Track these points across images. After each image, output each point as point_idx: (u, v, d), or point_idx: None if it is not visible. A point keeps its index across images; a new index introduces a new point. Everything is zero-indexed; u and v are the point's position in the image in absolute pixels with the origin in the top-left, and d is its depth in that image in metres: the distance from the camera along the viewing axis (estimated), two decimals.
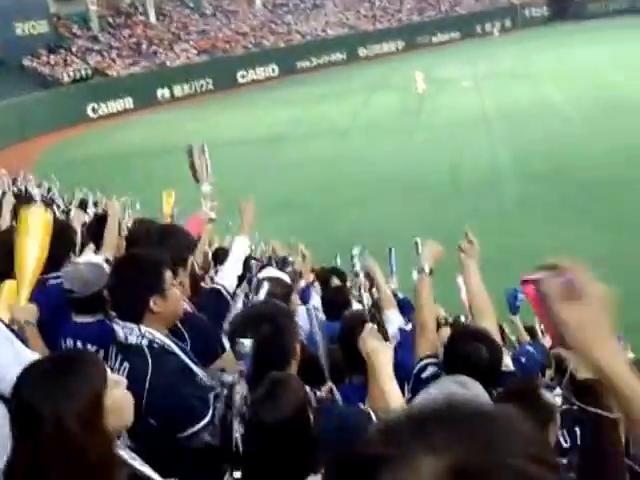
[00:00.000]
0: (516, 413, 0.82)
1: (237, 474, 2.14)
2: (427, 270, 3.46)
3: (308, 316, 3.74)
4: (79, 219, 5.93)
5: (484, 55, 40.10)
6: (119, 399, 1.86)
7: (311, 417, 2.13)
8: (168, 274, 2.79)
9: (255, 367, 2.41)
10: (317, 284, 6.91)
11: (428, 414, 0.82)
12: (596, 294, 1.26)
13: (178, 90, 39.79)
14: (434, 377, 2.96)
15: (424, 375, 3.03)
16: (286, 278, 3.81)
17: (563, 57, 35.19)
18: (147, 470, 1.96)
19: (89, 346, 3.15)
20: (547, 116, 23.19)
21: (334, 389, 2.97)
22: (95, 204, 12.11)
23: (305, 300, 5.38)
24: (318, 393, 2.67)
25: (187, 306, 3.30)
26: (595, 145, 18.98)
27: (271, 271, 3.89)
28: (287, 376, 2.35)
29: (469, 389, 2.57)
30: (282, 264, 4.62)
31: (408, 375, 3.12)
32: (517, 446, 0.76)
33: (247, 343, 2.40)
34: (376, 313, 4.86)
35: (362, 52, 47.62)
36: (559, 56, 35.65)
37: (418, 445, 0.75)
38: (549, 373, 4.77)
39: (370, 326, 2.77)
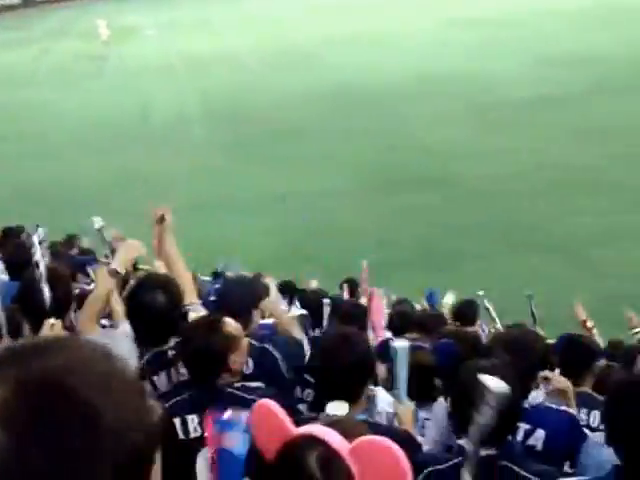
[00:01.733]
0: (91, 344, 0.82)
1: None
2: (118, 269, 3.00)
3: None
4: None
5: (164, 4, 40.30)
6: None
7: None
8: None
9: None
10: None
11: None
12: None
13: None
14: None
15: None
16: None
17: (242, 7, 36.85)
18: None
19: None
20: (228, 64, 24.62)
21: None
22: None
23: None
24: None
25: None
26: (272, 91, 20.80)
27: None
28: None
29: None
30: None
31: None
32: (78, 371, 0.75)
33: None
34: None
35: None
36: (239, 6, 37.27)
37: None
38: None
39: None
